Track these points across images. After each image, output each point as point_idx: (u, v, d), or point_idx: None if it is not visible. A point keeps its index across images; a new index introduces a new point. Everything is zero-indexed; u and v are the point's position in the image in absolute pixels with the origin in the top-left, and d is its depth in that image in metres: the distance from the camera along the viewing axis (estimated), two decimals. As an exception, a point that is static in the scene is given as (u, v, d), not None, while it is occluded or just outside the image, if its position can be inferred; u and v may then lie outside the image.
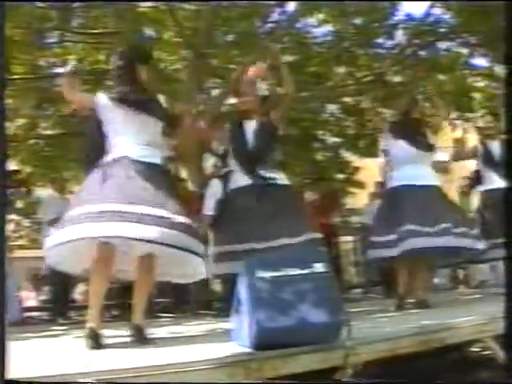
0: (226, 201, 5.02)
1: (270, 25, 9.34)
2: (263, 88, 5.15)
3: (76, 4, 8.09)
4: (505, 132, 3.91)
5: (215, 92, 10.02)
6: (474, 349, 5.46)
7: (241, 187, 4.90)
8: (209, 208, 6.19)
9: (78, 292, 10.92)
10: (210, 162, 7.84)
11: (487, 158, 6.65)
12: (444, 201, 5.91)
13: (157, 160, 4.01)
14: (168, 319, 6.76)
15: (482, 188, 6.78)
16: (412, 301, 5.77)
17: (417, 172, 5.86)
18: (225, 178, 5.14)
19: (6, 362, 2.56)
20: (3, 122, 3.00)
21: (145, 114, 4.01)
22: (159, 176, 3.92)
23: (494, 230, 6.22)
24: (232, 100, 5.28)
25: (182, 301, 7.75)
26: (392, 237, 5.64)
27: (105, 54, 9.23)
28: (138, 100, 3.99)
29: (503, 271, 6.75)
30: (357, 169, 13.08)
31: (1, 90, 3.09)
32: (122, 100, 3.98)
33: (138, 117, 3.98)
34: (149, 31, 9.08)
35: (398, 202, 5.80)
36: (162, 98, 4.17)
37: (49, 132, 11.36)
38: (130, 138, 3.96)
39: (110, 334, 4.04)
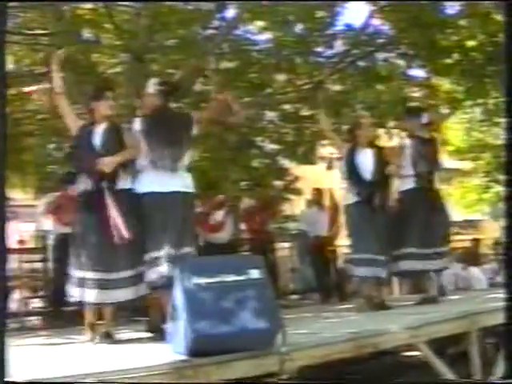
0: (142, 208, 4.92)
1: (209, 31, 9.31)
2: None
3: (11, 4, 7.90)
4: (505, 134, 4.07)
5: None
6: (406, 353, 5.56)
7: (151, 193, 4.84)
8: None
9: (13, 299, 10.60)
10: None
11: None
12: None
13: None
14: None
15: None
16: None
17: None
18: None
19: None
20: (4, 122, 3.01)
21: None
22: None
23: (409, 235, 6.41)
24: None
25: (117, 307, 7.61)
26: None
27: (42, 55, 9.05)
28: None
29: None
30: (297, 178, 13.11)
31: (1, 89, 3.04)
32: None
33: None
34: (87, 33, 8.93)
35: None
36: None
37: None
38: None
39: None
